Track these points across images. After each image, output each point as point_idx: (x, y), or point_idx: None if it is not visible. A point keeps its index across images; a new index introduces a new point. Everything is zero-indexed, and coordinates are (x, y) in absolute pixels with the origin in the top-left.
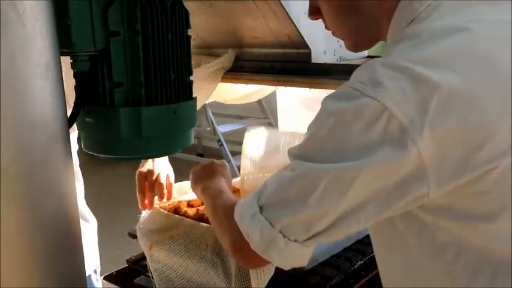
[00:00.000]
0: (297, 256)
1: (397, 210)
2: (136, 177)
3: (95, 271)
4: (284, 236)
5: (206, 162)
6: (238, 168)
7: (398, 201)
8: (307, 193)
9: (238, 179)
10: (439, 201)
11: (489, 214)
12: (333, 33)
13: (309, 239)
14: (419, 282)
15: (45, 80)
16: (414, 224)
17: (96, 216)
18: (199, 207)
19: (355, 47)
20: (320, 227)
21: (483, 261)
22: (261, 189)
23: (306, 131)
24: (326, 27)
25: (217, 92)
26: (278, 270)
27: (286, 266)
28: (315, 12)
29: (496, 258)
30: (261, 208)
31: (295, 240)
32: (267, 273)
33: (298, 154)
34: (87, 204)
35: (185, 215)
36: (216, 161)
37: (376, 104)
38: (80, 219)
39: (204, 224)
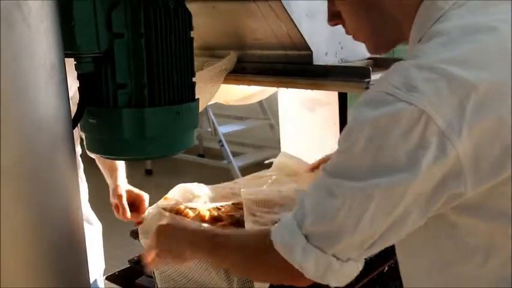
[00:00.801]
0: (352, 272)
1: (435, 211)
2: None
3: (101, 275)
4: (338, 259)
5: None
6: (239, 168)
7: (438, 202)
8: (357, 218)
9: (231, 182)
10: (472, 201)
11: None
12: (354, 37)
13: (361, 254)
14: (448, 285)
15: (49, 81)
16: (445, 226)
17: (98, 216)
18: (200, 209)
19: (376, 49)
20: (372, 241)
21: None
22: (300, 214)
23: (337, 144)
24: (347, 31)
25: (218, 93)
26: None
27: (343, 284)
28: (334, 17)
29: None
30: (306, 237)
31: (349, 259)
32: None
33: (336, 171)
34: (89, 203)
35: (187, 216)
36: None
37: (413, 108)
38: (84, 222)
39: (205, 224)
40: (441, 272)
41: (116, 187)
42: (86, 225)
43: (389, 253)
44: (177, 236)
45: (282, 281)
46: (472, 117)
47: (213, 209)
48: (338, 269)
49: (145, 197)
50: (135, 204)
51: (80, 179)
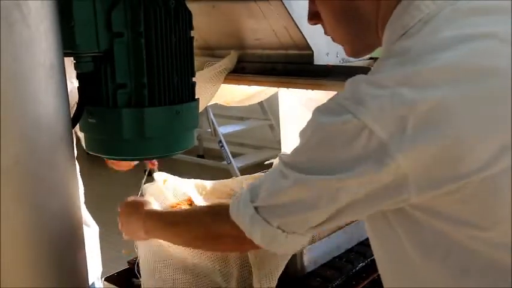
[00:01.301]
0: (297, 243)
1: (382, 208)
2: None
3: (98, 278)
4: (283, 231)
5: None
6: (239, 169)
7: (381, 203)
8: (301, 200)
9: (230, 180)
10: (425, 204)
11: (479, 222)
12: (333, 39)
13: (306, 231)
14: (413, 276)
15: (49, 80)
16: (405, 219)
17: (96, 217)
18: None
19: (354, 53)
20: (315, 223)
21: (473, 262)
22: (254, 189)
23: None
24: (325, 32)
25: (218, 94)
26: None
27: (289, 253)
28: (314, 17)
29: (485, 259)
30: (256, 208)
31: (294, 233)
32: (270, 278)
33: (290, 162)
34: (86, 205)
35: None
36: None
37: (356, 121)
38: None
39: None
40: (405, 265)
41: None
42: (84, 229)
43: None
44: (132, 217)
45: (236, 248)
46: (412, 134)
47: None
48: (283, 240)
49: None
50: None
51: None
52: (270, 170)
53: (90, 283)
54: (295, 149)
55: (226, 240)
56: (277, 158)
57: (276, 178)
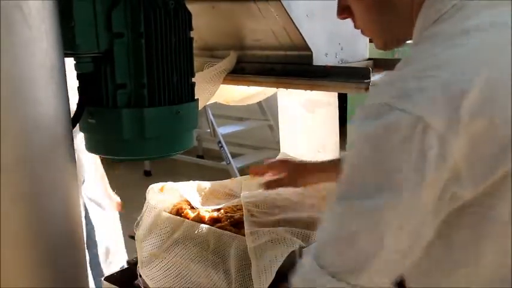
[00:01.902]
0: None
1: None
2: None
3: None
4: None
5: None
6: (238, 169)
7: (444, 207)
8: (377, 239)
9: (228, 180)
10: (469, 202)
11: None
12: (362, 32)
13: (390, 279)
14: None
15: (49, 81)
16: (464, 218)
17: None
18: (199, 210)
19: (385, 46)
20: (396, 263)
21: None
22: (318, 251)
23: (343, 162)
24: (355, 26)
25: (218, 93)
26: (279, 272)
27: None
28: (344, 11)
29: None
30: (331, 274)
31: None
32: (269, 276)
33: (343, 194)
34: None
35: (186, 216)
36: None
37: (408, 116)
38: (97, 207)
39: (205, 225)
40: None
41: None
42: (99, 210)
43: None
44: None
45: None
46: (466, 119)
47: (212, 210)
48: None
49: None
50: None
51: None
52: (325, 216)
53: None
54: (343, 176)
55: None
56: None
57: (336, 225)
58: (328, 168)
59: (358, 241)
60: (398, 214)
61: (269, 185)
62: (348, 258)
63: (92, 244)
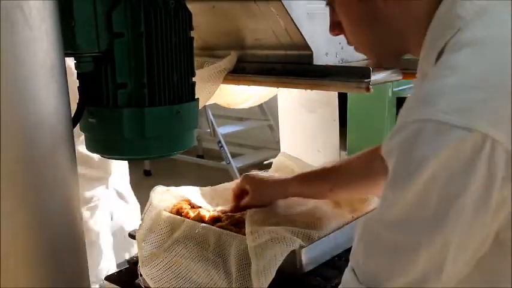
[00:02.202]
0: None
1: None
2: None
3: None
4: None
5: None
6: (238, 169)
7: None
8: (438, 266)
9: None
10: None
11: None
12: (356, 49)
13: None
14: None
15: (50, 81)
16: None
17: None
18: (200, 209)
19: (378, 62)
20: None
21: None
22: (367, 278)
23: (385, 190)
24: (348, 42)
25: (220, 96)
26: (279, 271)
27: None
28: (335, 27)
29: None
30: None
31: None
32: (269, 275)
33: (396, 223)
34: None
35: (187, 216)
36: None
37: (474, 135)
38: (121, 201)
39: (205, 224)
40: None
41: None
42: (122, 203)
43: None
44: None
45: None
46: None
47: (213, 209)
48: None
49: None
50: None
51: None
52: (364, 242)
53: None
54: (393, 203)
55: None
56: (372, 217)
57: (390, 253)
58: (312, 181)
59: (417, 265)
60: (462, 237)
61: (234, 211)
62: (408, 282)
63: (113, 234)
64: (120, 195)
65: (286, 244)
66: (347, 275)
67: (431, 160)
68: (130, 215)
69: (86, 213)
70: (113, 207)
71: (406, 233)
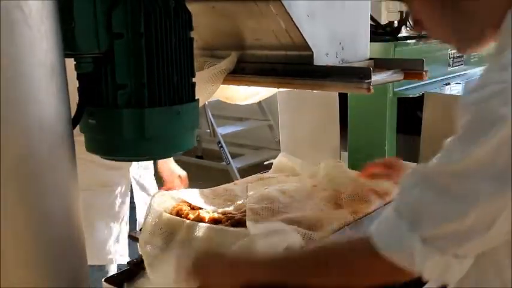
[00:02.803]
0: (467, 266)
1: None
2: None
3: None
4: (457, 257)
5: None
6: (238, 170)
7: None
8: (487, 223)
9: (230, 184)
10: None
11: None
12: (442, 41)
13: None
14: None
15: (50, 81)
16: (493, 264)
17: None
18: (200, 211)
19: (461, 49)
20: (496, 244)
21: None
22: (412, 216)
23: (453, 137)
24: (432, 36)
25: (220, 90)
26: None
27: (455, 282)
28: (417, 24)
29: None
30: (423, 240)
31: (467, 257)
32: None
33: (461, 171)
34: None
35: (187, 217)
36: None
37: None
38: (142, 192)
39: (206, 224)
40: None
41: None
42: (143, 194)
43: None
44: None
45: (388, 282)
46: None
47: (213, 211)
48: (457, 267)
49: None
50: None
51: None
52: (418, 180)
53: None
54: (461, 152)
55: (373, 278)
56: (433, 166)
57: (444, 197)
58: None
59: (467, 219)
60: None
61: None
62: (451, 231)
63: (133, 223)
64: (142, 187)
65: (285, 235)
66: (388, 212)
67: (508, 121)
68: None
69: (98, 195)
70: (135, 198)
71: (469, 185)
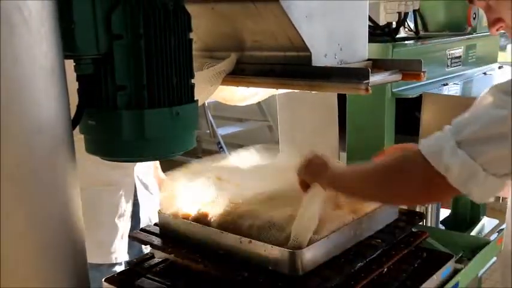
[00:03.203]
0: (494, 189)
1: None
2: None
3: None
4: (484, 170)
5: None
6: None
7: None
8: None
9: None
10: None
11: None
12: None
13: (506, 174)
14: None
15: (49, 83)
16: None
17: None
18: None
19: None
20: None
21: None
22: (459, 124)
23: None
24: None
25: (218, 92)
26: (279, 272)
27: (483, 199)
28: (495, 23)
29: None
30: (459, 143)
31: (494, 174)
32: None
33: (508, 89)
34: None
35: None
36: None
37: None
38: (145, 192)
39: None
40: None
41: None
42: (146, 193)
43: (388, 255)
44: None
45: (421, 195)
46: None
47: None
48: (482, 180)
49: None
50: None
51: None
52: (477, 104)
53: None
54: None
55: (412, 184)
56: (488, 89)
57: (487, 109)
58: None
59: (503, 125)
60: None
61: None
62: (484, 135)
63: (137, 221)
64: (145, 186)
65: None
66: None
67: None
68: (154, 206)
69: (103, 194)
70: (139, 196)
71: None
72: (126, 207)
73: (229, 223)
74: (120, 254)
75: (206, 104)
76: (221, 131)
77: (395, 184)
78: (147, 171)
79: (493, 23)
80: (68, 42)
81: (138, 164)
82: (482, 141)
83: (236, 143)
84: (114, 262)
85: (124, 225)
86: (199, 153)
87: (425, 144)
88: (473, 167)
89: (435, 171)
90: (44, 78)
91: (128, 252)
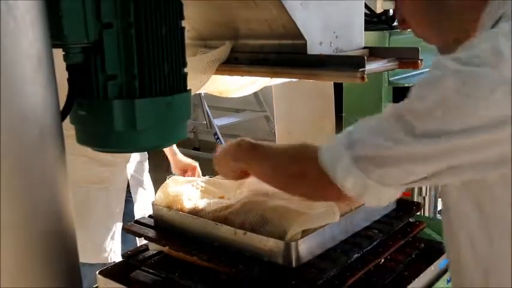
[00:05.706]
0: (391, 196)
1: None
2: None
3: None
4: (379, 183)
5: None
6: None
7: (494, 168)
8: (414, 160)
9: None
10: None
11: None
12: (425, 40)
13: (401, 185)
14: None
15: (36, 71)
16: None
17: None
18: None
19: (443, 49)
20: (416, 178)
21: None
22: (352, 137)
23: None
24: (416, 34)
25: (212, 83)
26: (274, 263)
27: (380, 205)
28: (403, 22)
29: None
30: (353, 159)
31: (389, 185)
32: None
33: (404, 113)
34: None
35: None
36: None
37: (495, 73)
38: (139, 188)
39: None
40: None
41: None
42: (140, 189)
43: (385, 246)
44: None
45: (323, 198)
46: None
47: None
48: (377, 190)
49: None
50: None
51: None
52: (379, 115)
53: None
54: (412, 99)
55: (308, 182)
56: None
57: (384, 131)
58: None
59: (391, 152)
60: (452, 155)
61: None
62: (374, 156)
63: (131, 217)
64: (139, 182)
65: None
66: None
67: (455, 76)
68: (148, 202)
69: (95, 193)
70: (132, 194)
71: (406, 127)
72: (118, 207)
73: (222, 219)
74: (113, 254)
75: (202, 95)
76: (218, 122)
77: (299, 188)
78: (140, 166)
79: (401, 22)
80: (56, 31)
81: (130, 160)
82: (377, 162)
83: (233, 134)
84: (107, 262)
85: (116, 224)
86: (196, 144)
87: (324, 152)
88: (367, 182)
89: (332, 179)
90: (30, 67)
91: (122, 249)
